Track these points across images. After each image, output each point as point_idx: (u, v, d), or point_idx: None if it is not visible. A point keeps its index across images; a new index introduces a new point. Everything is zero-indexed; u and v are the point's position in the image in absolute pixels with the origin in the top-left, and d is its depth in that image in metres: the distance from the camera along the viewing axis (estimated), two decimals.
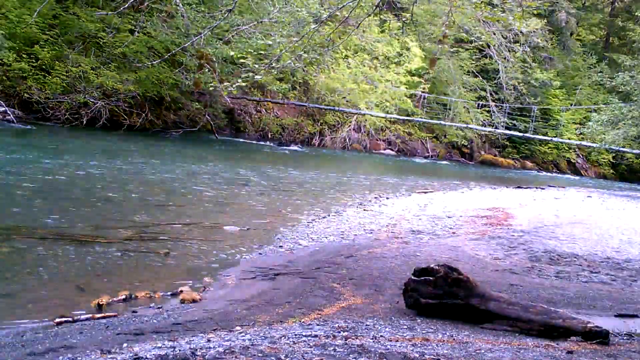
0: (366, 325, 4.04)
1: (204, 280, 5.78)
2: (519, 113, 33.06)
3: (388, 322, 4.21)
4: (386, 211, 10.91)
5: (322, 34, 7.40)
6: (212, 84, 18.23)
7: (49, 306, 4.64)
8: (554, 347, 3.89)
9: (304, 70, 25.37)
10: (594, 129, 26.40)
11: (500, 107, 32.78)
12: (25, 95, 18.08)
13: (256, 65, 7.38)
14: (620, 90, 26.57)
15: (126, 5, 10.94)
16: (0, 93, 17.62)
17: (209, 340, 3.60)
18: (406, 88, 30.53)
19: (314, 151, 25.86)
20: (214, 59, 21.42)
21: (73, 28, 19.87)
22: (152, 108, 21.61)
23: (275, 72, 18.33)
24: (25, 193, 8.67)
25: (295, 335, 3.70)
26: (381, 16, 27.98)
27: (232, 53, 19.25)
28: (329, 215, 9.95)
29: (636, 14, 33.74)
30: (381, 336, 3.82)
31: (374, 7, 7.23)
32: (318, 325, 4.01)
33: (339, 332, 3.80)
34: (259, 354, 3.24)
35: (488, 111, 33.19)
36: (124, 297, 4.91)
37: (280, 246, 7.43)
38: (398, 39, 30.61)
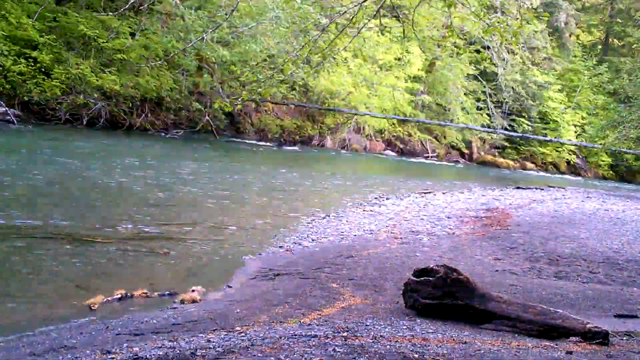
0: (366, 325, 4.05)
1: (203, 280, 5.78)
2: (518, 114, 33.11)
3: (388, 323, 4.22)
4: (386, 212, 10.91)
5: (323, 41, 7.42)
6: (222, 102, 18.26)
7: (48, 305, 4.64)
8: (553, 347, 3.89)
9: (303, 79, 25.41)
10: (593, 128, 26.49)
11: (500, 108, 32.83)
12: (25, 97, 18.09)
13: (259, 77, 7.42)
14: (619, 93, 26.64)
15: (126, 6, 10.97)
16: (0, 94, 17.61)
17: (208, 341, 3.61)
18: (406, 89, 30.55)
19: (314, 152, 25.87)
20: (213, 61, 21.45)
21: (73, 31, 19.87)
22: (152, 109, 21.62)
23: (278, 81, 18.35)
24: (25, 193, 8.67)
25: (295, 335, 3.70)
26: (381, 20, 28.06)
27: (229, 56, 19.32)
28: (328, 216, 9.95)
29: (635, 16, 33.82)
30: (381, 336, 3.83)
31: (375, 12, 7.25)
32: (318, 325, 4.02)
33: (339, 332, 3.80)
34: (259, 354, 3.24)
35: (487, 113, 33.23)
36: (119, 296, 4.91)
37: (280, 246, 7.44)
38: (398, 42, 30.65)
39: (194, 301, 5.04)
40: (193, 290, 5.30)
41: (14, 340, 3.86)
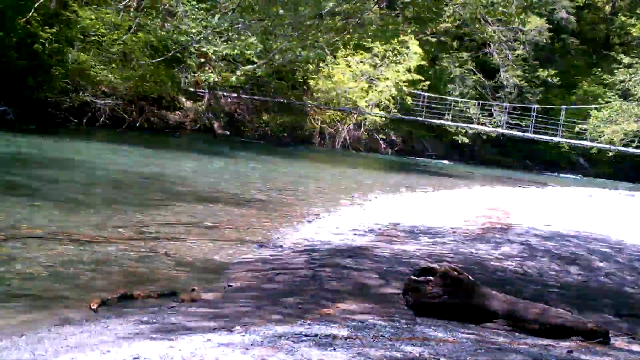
0: (365, 325, 4.04)
1: (203, 279, 5.77)
2: (519, 112, 33.07)
3: (387, 322, 4.21)
4: (386, 211, 10.90)
5: (323, 29, 7.39)
6: (214, 79, 18.24)
7: (47, 305, 4.62)
8: (554, 346, 3.88)
9: (303, 68, 25.36)
10: (594, 126, 26.46)
11: (500, 106, 32.79)
12: (25, 94, 18.09)
13: (256, 60, 7.38)
14: (619, 88, 26.61)
15: (126, 1, 10.91)
16: (0, 91, 17.61)
17: (208, 340, 3.60)
18: (406, 87, 30.50)
19: (314, 150, 25.86)
20: (214, 57, 21.45)
21: (73, 26, 19.87)
22: (152, 107, 21.63)
23: (276, 67, 18.30)
24: (24, 192, 8.66)
25: (295, 335, 3.69)
26: (380, 11, 28.01)
27: (228, 51, 19.27)
28: (328, 215, 9.94)
29: (637, 11, 33.75)
30: (381, 336, 3.82)
31: (374, 3, 7.21)
32: (317, 325, 4.00)
33: (339, 332, 3.79)
34: (259, 354, 3.24)
35: (488, 110, 33.20)
36: (118, 295, 4.89)
37: (280, 246, 7.43)
38: (397, 36, 30.61)
39: (193, 300, 5.03)
40: (193, 290, 5.29)
41: (14, 341, 3.85)
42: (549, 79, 35.90)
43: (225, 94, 23.75)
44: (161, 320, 4.41)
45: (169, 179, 11.70)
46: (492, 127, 32.49)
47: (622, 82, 25.13)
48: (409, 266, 6.22)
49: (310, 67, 26.86)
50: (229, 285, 5.66)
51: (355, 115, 28.83)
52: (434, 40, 31.80)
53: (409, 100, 30.67)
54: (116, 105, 19.82)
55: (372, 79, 29.46)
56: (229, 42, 21.19)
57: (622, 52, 34.27)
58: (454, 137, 32.97)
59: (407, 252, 7.31)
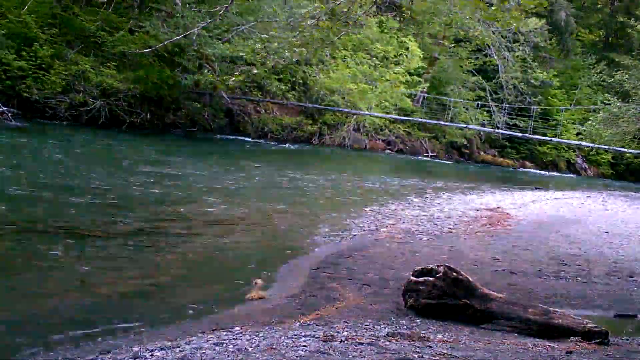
0: (365, 325, 4.04)
1: (204, 279, 5.78)
2: (518, 113, 33.08)
3: (387, 322, 4.22)
4: (385, 211, 10.90)
5: (319, 29, 7.37)
6: (214, 80, 18.18)
7: (49, 302, 4.63)
8: (553, 347, 3.89)
9: (303, 69, 25.35)
10: (593, 127, 26.45)
11: (499, 107, 32.79)
12: (24, 94, 18.06)
13: (253, 59, 7.37)
14: (618, 90, 26.62)
15: None
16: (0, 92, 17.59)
17: (207, 341, 3.61)
18: (405, 88, 30.50)
19: (313, 151, 25.86)
20: (213, 59, 21.44)
21: (72, 27, 19.85)
22: (152, 107, 21.61)
23: (273, 68, 18.25)
24: (26, 189, 8.66)
25: (295, 335, 3.70)
26: (380, 15, 27.97)
27: (229, 52, 19.29)
28: (327, 216, 9.94)
29: (636, 12, 33.79)
30: (381, 336, 3.82)
31: (372, 3, 7.20)
32: (317, 325, 4.01)
33: (339, 332, 3.80)
34: (259, 354, 3.24)
35: (488, 111, 33.19)
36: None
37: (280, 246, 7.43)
38: (397, 37, 30.60)
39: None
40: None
41: (16, 336, 3.85)
42: (548, 80, 35.90)
43: (224, 94, 23.75)
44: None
45: (168, 177, 11.68)
46: (491, 127, 32.47)
47: (620, 83, 25.14)
48: (408, 267, 6.22)
49: (310, 68, 26.84)
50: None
51: (354, 116, 28.82)
52: (433, 41, 31.76)
53: (408, 100, 30.65)
54: (116, 106, 19.80)
55: (371, 80, 29.45)
56: (228, 43, 21.25)
57: (621, 53, 34.32)
58: (453, 138, 32.96)
59: (406, 252, 7.31)
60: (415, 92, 31.26)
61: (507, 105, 32.51)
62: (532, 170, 35.19)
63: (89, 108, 19.21)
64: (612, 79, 25.87)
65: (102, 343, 3.74)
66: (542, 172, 34.94)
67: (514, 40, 31.85)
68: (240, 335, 3.74)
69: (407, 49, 30.88)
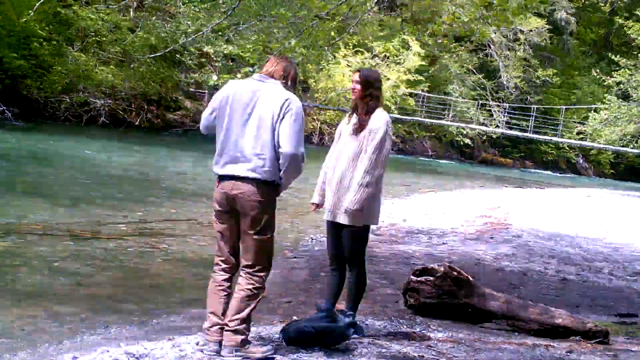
0: (366, 325, 4.04)
1: (203, 280, 5.77)
2: (519, 112, 33.06)
3: (387, 322, 4.21)
4: (386, 211, 10.89)
5: (322, 29, 7.39)
6: (214, 80, 18.18)
7: (47, 303, 4.62)
8: (553, 346, 3.88)
9: (304, 67, 25.34)
10: (593, 126, 26.45)
11: (500, 106, 32.77)
12: (24, 93, 18.06)
13: (255, 57, 7.38)
14: (618, 89, 26.61)
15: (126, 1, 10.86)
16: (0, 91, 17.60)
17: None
18: (406, 87, 30.50)
19: (313, 150, 25.85)
20: (215, 57, 21.44)
21: (73, 26, 19.86)
22: (152, 106, 21.62)
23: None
24: (24, 189, 8.66)
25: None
26: (381, 13, 27.95)
27: (231, 48, 19.29)
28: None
29: (635, 12, 33.74)
30: (381, 335, 3.82)
31: (374, 4, 7.21)
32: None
33: None
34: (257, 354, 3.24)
35: (488, 110, 33.18)
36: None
37: (280, 246, 7.42)
38: (399, 37, 30.57)
39: None
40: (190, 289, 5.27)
41: (13, 338, 3.85)
42: (548, 80, 35.91)
43: None
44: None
45: (168, 177, 11.70)
46: (492, 127, 32.49)
47: (620, 83, 25.14)
48: (408, 266, 6.22)
49: (310, 66, 26.87)
50: None
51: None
52: (434, 40, 31.76)
53: (410, 101, 30.66)
54: (116, 105, 19.83)
55: None
56: (229, 41, 21.26)
57: (621, 53, 34.31)
58: (454, 137, 32.99)
59: (407, 252, 7.31)
60: (415, 91, 31.25)
61: (507, 105, 32.50)
62: (532, 169, 35.20)
63: (89, 108, 19.22)
64: (613, 79, 25.85)
65: (100, 343, 3.74)
66: (543, 171, 34.95)
67: (514, 39, 31.83)
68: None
69: (408, 48, 30.87)
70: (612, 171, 38.19)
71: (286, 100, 3.09)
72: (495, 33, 29.93)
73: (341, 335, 3.43)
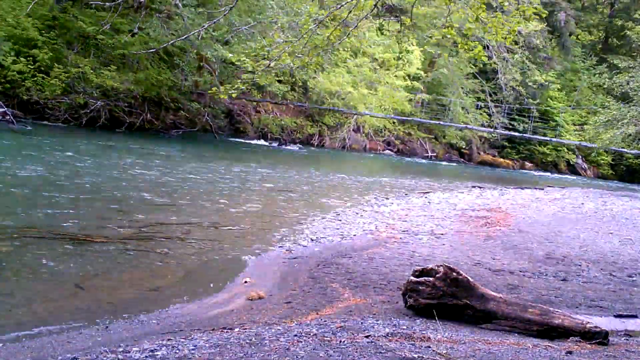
0: (365, 325, 4.04)
1: (202, 281, 5.78)
2: (518, 114, 33.10)
3: (387, 323, 4.21)
4: (385, 212, 10.91)
5: (320, 35, 7.39)
6: (213, 88, 18.18)
7: (47, 306, 4.63)
8: (553, 347, 3.89)
9: (303, 71, 25.35)
10: (592, 128, 26.47)
11: (499, 108, 32.81)
12: (24, 96, 18.05)
13: (254, 64, 7.37)
14: (617, 91, 26.63)
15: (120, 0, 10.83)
16: (0, 94, 17.58)
17: (207, 341, 3.60)
18: (405, 89, 30.53)
19: (313, 151, 25.87)
20: (213, 60, 21.45)
21: (72, 29, 19.85)
22: (152, 108, 21.61)
23: (274, 73, 18.33)
24: (24, 192, 8.66)
25: (294, 335, 3.70)
26: (380, 19, 27.97)
27: (230, 55, 19.29)
28: (328, 216, 9.95)
29: (635, 15, 33.81)
30: (380, 336, 3.82)
31: (373, 7, 7.22)
32: (317, 325, 4.01)
33: (338, 332, 3.79)
34: (259, 353, 3.24)
35: (487, 112, 33.21)
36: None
37: (280, 247, 7.43)
38: (398, 42, 30.60)
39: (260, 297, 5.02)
40: (191, 291, 5.28)
41: (14, 341, 3.86)
42: (547, 81, 35.96)
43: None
44: (165, 321, 4.40)
45: (168, 179, 11.69)
46: (491, 128, 32.53)
47: (620, 85, 25.16)
48: (408, 267, 6.22)
49: (310, 69, 26.89)
50: (227, 287, 5.66)
51: (354, 117, 28.85)
52: (433, 42, 31.79)
53: (408, 102, 30.69)
54: (116, 107, 19.82)
55: (371, 82, 29.47)
56: (227, 44, 21.26)
57: (620, 55, 34.35)
58: (453, 139, 33.02)
59: (406, 253, 7.32)
60: (414, 92, 31.27)
61: (506, 106, 32.53)
62: (532, 170, 35.22)
63: (88, 110, 19.21)
64: (612, 81, 25.88)
65: (99, 344, 3.74)
66: (542, 172, 34.97)
67: (513, 41, 31.85)
68: (240, 335, 3.74)
69: (408, 51, 30.89)
70: (612, 172, 38.23)
71: None
72: (492, 46, 29.97)
73: None
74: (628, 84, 24.18)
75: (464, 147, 33.82)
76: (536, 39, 32.59)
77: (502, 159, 35.46)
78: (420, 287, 4.51)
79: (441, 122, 30.89)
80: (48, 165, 11.24)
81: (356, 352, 3.40)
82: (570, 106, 37.34)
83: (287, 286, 5.49)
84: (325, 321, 4.14)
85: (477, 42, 7.44)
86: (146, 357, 3.23)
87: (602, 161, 37.83)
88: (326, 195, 12.81)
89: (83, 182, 10.13)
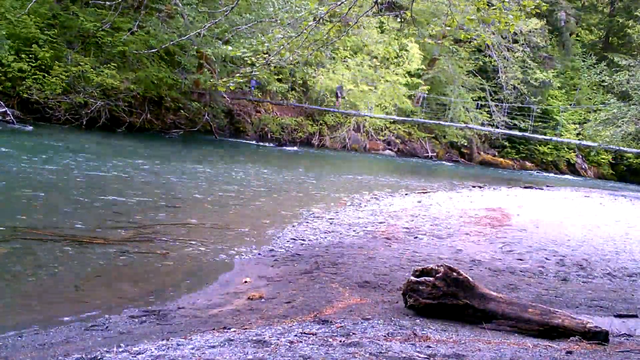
0: (365, 325, 4.04)
1: (201, 281, 5.78)
2: (518, 113, 33.09)
3: (387, 322, 4.21)
4: (385, 211, 10.90)
5: (320, 30, 7.39)
6: (211, 81, 18.18)
7: (46, 307, 4.63)
8: (553, 347, 3.88)
9: (303, 67, 25.32)
10: (593, 127, 26.48)
11: (499, 107, 32.80)
12: (24, 95, 18.05)
13: (254, 59, 7.36)
14: (618, 90, 26.64)
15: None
16: (0, 93, 17.59)
17: (207, 341, 3.60)
18: (405, 88, 30.53)
19: (313, 151, 25.86)
20: (214, 59, 21.45)
21: (72, 28, 19.86)
22: (152, 108, 21.63)
23: (274, 67, 18.32)
24: (24, 193, 8.66)
25: (295, 335, 3.69)
26: (380, 16, 28.01)
27: (230, 49, 19.28)
28: (328, 216, 9.94)
29: (635, 13, 33.78)
30: (380, 336, 3.82)
31: (373, 4, 7.21)
32: (317, 325, 4.01)
33: (338, 332, 3.79)
34: (260, 353, 3.24)
35: (488, 111, 33.22)
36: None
37: (280, 246, 7.43)
38: (397, 39, 30.62)
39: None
40: (191, 289, 5.27)
41: (15, 341, 3.85)
42: (547, 80, 35.97)
43: (224, 94, 23.79)
44: (156, 321, 4.40)
45: (168, 179, 11.70)
46: (491, 127, 32.55)
47: (620, 84, 25.16)
48: (408, 267, 6.22)
49: (310, 68, 26.86)
50: (228, 288, 5.65)
51: (354, 117, 28.85)
52: (433, 41, 31.80)
53: (409, 102, 30.70)
54: (116, 107, 19.83)
55: (372, 81, 29.49)
56: (228, 43, 21.25)
57: (621, 54, 34.34)
58: (453, 138, 33.04)
59: (406, 252, 7.31)
60: (415, 91, 31.27)
61: (507, 105, 32.54)
62: (532, 170, 35.22)
63: (89, 110, 19.21)
64: (613, 80, 25.89)
65: (99, 344, 3.74)
66: (542, 172, 34.97)
67: (513, 40, 31.86)
68: (240, 335, 3.73)
69: (407, 50, 30.92)
70: (612, 172, 38.24)
71: None
72: (494, 34, 29.96)
73: None
74: (628, 82, 24.17)
75: (464, 145, 33.82)
76: (536, 37, 32.58)
77: (502, 159, 35.47)
78: (420, 287, 4.50)
79: (441, 122, 30.90)
80: (48, 166, 11.24)
81: (356, 352, 3.39)
82: (570, 105, 37.35)
83: (287, 286, 5.49)
84: (325, 321, 4.13)
85: (479, 32, 7.44)
86: (146, 357, 3.23)
87: (602, 161, 37.83)
88: (326, 195, 12.81)
89: (83, 183, 10.13)
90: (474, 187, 17.90)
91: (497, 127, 32.03)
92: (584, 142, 31.49)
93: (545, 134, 33.04)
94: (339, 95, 27.58)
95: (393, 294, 5.21)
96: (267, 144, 24.99)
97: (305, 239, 7.95)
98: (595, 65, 39.57)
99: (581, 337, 4.15)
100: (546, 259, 7.59)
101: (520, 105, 33.01)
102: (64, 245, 6.25)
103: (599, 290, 6.23)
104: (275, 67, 17.27)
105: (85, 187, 9.79)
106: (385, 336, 3.83)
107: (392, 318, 4.37)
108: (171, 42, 15.19)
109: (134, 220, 7.90)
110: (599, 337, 4.13)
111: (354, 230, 8.75)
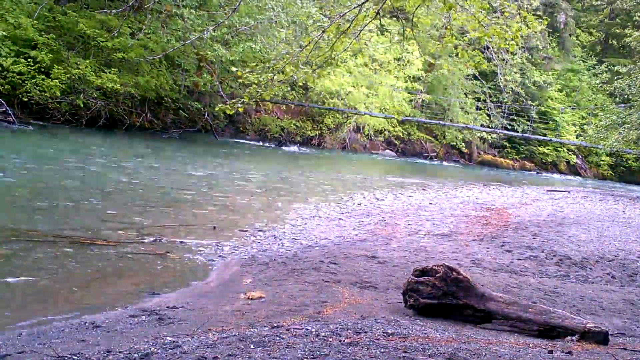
0: (365, 325, 4.04)
1: (201, 281, 5.78)
2: (517, 114, 33.12)
3: (387, 322, 4.21)
4: (385, 211, 10.91)
5: (324, 44, 7.42)
6: (220, 106, 18.23)
7: (46, 307, 4.63)
8: (553, 347, 3.89)
9: (303, 79, 25.36)
10: (593, 129, 26.49)
11: (499, 109, 32.84)
12: (24, 97, 18.04)
13: (260, 78, 7.37)
14: (618, 93, 26.65)
15: (126, 7, 10.89)
16: (0, 94, 17.57)
17: (206, 341, 3.60)
18: (406, 89, 30.54)
19: (314, 152, 25.87)
20: (213, 61, 21.46)
21: (72, 30, 19.85)
22: (152, 108, 21.63)
23: (278, 86, 18.37)
24: (24, 194, 8.66)
25: (295, 335, 3.69)
26: (381, 21, 28.00)
27: (228, 55, 19.29)
28: (328, 216, 9.95)
29: (635, 17, 33.83)
30: (380, 336, 3.82)
31: (375, 14, 7.24)
32: (317, 325, 4.01)
33: (338, 332, 3.79)
34: (260, 352, 3.24)
35: (487, 112, 33.25)
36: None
37: (280, 246, 7.43)
38: (398, 42, 30.62)
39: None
40: (192, 290, 5.27)
41: (15, 341, 3.85)
42: (547, 82, 36.01)
43: (224, 95, 23.82)
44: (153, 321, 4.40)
45: (168, 180, 11.70)
46: (491, 128, 32.57)
47: (621, 90, 25.20)
48: (408, 267, 6.22)
49: (310, 69, 26.89)
50: (227, 288, 5.66)
51: (354, 117, 28.87)
52: (432, 43, 31.83)
53: (408, 107, 30.74)
54: (116, 107, 19.83)
55: (372, 82, 29.50)
56: (228, 45, 21.28)
57: (620, 56, 34.39)
58: (453, 139, 33.07)
59: (406, 252, 7.31)
60: (414, 91, 31.29)
61: (506, 106, 32.58)
62: (532, 171, 35.23)
63: (89, 110, 19.21)
64: (613, 86, 25.94)
65: (99, 344, 3.75)
66: (542, 172, 34.99)
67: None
68: (239, 335, 3.74)
69: (407, 51, 30.93)
70: (611, 173, 38.27)
71: None
72: (493, 36, 29.92)
73: None
74: (630, 88, 24.18)
75: (463, 147, 33.85)
76: (536, 39, 32.63)
77: (502, 159, 35.49)
78: (420, 287, 4.51)
79: (441, 122, 30.93)
80: (47, 167, 11.24)
81: (356, 352, 3.40)
82: (570, 106, 37.38)
83: (287, 286, 5.49)
84: (325, 321, 4.14)
85: (477, 51, 7.50)
86: (146, 356, 3.23)
87: (602, 162, 37.88)
88: (326, 195, 12.81)
89: (83, 183, 10.13)
90: (474, 187, 17.91)
91: (497, 128, 32.07)
92: (584, 142, 31.50)
93: (545, 135, 33.07)
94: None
95: (393, 294, 5.22)
96: (267, 144, 25.00)
97: (305, 238, 7.95)
98: (594, 67, 39.61)
99: (581, 337, 4.15)
100: (546, 258, 7.60)
101: (520, 106, 33.05)
102: (64, 245, 6.24)
103: (599, 290, 6.24)
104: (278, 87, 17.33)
105: (84, 187, 9.79)
106: (385, 336, 3.83)
107: (392, 318, 4.37)
108: (174, 49, 15.19)
109: (134, 220, 7.90)
110: (599, 337, 4.14)
111: (353, 230, 8.75)
